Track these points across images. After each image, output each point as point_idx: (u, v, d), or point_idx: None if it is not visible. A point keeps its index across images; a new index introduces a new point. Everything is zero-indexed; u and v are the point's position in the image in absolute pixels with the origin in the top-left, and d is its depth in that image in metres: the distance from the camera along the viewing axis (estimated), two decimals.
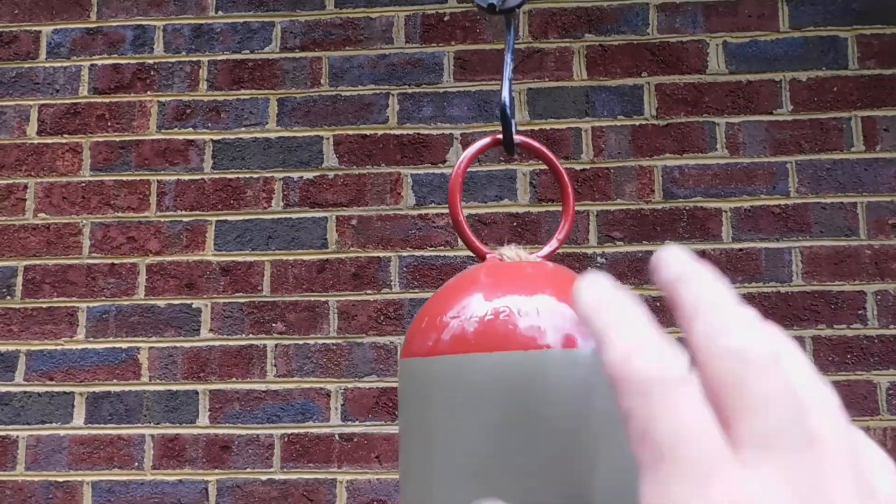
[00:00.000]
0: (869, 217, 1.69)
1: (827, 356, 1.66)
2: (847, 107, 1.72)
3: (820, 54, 1.75)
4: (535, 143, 0.53)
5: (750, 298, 1.69)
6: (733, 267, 1.70)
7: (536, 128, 1.76)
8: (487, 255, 0.47)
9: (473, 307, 0.42)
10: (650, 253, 1.70)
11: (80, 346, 1.77)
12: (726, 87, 1.74)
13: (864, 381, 1.65)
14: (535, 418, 0.41)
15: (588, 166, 1.74)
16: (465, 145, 1.77)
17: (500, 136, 0.53)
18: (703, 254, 1.71)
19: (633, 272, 1.71)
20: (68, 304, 1.78)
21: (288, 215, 1.78)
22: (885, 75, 1.73)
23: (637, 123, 1.75)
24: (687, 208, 1.72)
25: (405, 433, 0.47)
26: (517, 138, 0.53)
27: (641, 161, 1.74)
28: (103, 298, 1.79)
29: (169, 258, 1.79)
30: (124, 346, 1.77)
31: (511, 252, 0.47)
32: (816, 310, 1.68)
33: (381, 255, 1.76)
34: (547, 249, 0.50)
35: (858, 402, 1.64)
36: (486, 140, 0.52)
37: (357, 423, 1.71)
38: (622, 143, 1.74)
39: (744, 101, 1.74)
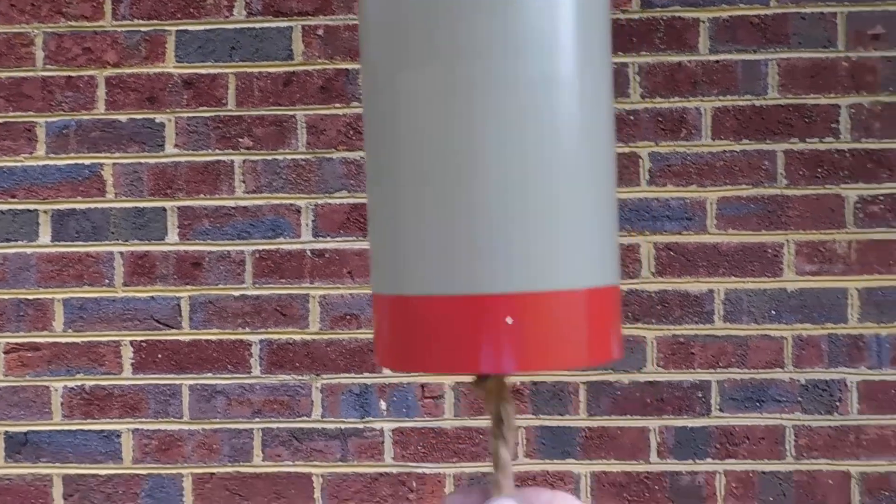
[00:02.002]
0: (849, 28, 1.70)
1: (798, 170, 1.70)
2: None
3: None
4: None
5: (725, 112, 1.71)
6: (709, 79, 1.71)
7: None
8: None
9: None
10: (625, 65, 1.70)
11: (41, 163, 1.77)
12: None
13: (832, 195, 1.70)
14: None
15: None
16: None
17: None
18: (678, 66, 1.72)
19: None
20: (25, 119, 1.77)
21: (251, 25, 1.75)
22: None
23: None
24: (664, 18, 1.72)
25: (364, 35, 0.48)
26: None
27: None
28: (62, 113, 1.77)
29: (128, 70, 1.76)
30: (87, 162, 1.77)
31: None
32: (790, 123, 1.71)
33: (350, 67, 1.74)
34: None
35: (826, 216, 1.70)
36: None
37: (328, 238, 1.75)
38: None
39: None
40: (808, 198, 1.71)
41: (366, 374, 1.75)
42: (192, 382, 1.76)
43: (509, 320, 0.42)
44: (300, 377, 1.75)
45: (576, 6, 0.44)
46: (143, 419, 1.77)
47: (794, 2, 1.70)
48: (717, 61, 1.72)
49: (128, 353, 1.77)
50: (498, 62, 0.43)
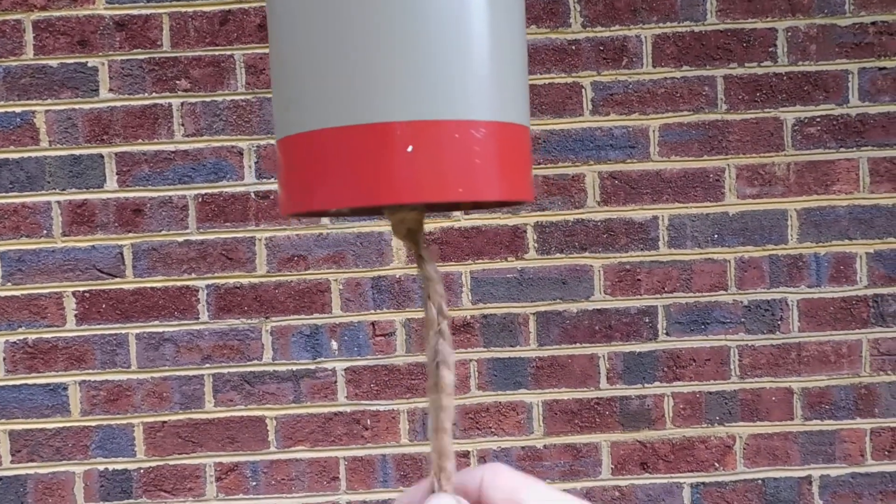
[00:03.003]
0: None
1: (737, 95, 1.74)
2: None
3: None
4: None
5: (664, 39, 1.74)
6: (648, 7, 1.73)
7: None
8: None
9: None
10: None
11: None
12: None
13: (771, 118, 1.74)
14: None
15: None
16: None
17: None
18: None
19: (549, 15, 1.72)
20: None
21: None
22: None
23: None
24: None
25: None
26: None
27: None
28: None
29: (57, 13, 1.72)
30: (18, 110, 1.73)
31: None
32: (729, 48, 1.74)
33: None
34: None
35: (765, 139, 1.74)
36: None
37: (272, 180, 1.74)
38: None
39: None
40: (747, 122, 1.74)
41: (316, 315, 1.75)
42: (138, 331, 1.75)
43: (410, 149, 0.42)
44: (249, 321, 1.75)
45: None
46: (90, 370, 1.75)
47: None
48: None
49: (71, 305, 1.75)
50: None
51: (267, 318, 1.75)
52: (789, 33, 1.74)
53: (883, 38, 1.73)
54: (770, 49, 1.74)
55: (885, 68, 1.73)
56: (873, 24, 1.73)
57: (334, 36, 0.43)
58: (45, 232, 1.74)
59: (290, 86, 0.45)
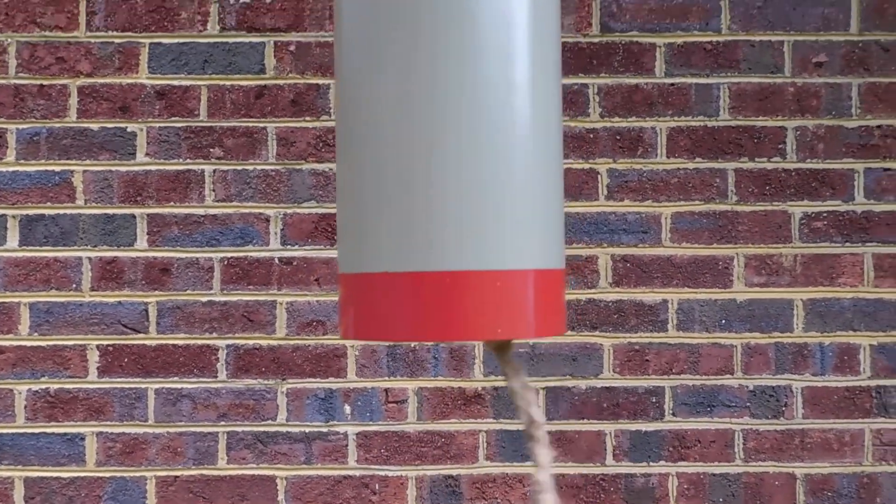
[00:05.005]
0: (794, 55, 1.85)
1: (747, 188, 1.84)
2: None
3: None
4: None
5: (679, 132, 1.85)
6: (664, 101, 1.85)
7: None
8: None
9: None
10: (585, 86, 1.83)
11: (10, 169, 1.84)
12: None
13: (780, 211, 1.84)
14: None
15: None
16: None
17: None
18: (635, 88, 1.85)
19: (569, 105, 1.84)
20: None
21: (224, 39, 1.85)
22: None
23: None
24: (623, 42, 1.85)
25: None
26: None
27: None
28: (33, 120, 1.84)
29: (101, 80, 1.84)
30: (57, 168, 1.84)
31: None
32: (740, 143, 1.85)
33: (321, 82, 1.85)
34: None
35: (773, 231, 1.84)
36: None
37: (297, 247, 1.84)
38: None
39: None
40: (756, 214, 1.84)
41: (331, 379, 1.83)
42: (157, 386, 1.83)
43: (461, 293, 0.51)
44: (266, 381, 1.83)
45: (528, 22, 0.54)
46: (108, 422, 1.82)
47: (745, 30, 1.85)
48: (672, 84, 1.85)
49: (94, 357, 1.83)
50: (456, 67, 0.52)
51: (283, 379, 1.83)
52: (798, 132, 1.84)
53: (888, 140, 1.84)
54: (779, 146, 1.85)
55: (889, 169, 1.83)
56: (878, 127, 1.84)
57: (392, 196, 0.52)
58: (74, 286, 1.83)
59: (353, 231, 0.55)
